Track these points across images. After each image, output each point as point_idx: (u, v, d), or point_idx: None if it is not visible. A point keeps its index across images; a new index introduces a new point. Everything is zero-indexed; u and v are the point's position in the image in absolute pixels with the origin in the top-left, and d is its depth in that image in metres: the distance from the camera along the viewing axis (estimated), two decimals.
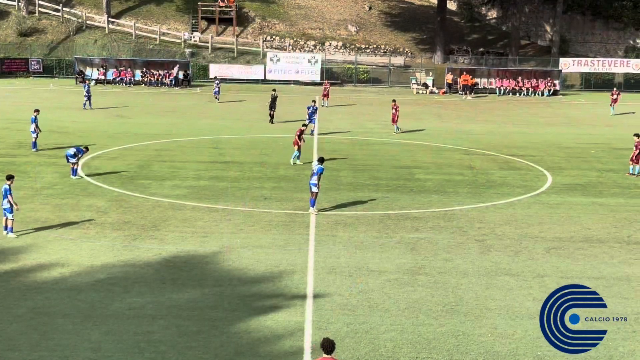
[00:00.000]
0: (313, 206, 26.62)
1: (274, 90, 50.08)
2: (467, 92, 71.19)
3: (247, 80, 75.22)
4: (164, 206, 27.20)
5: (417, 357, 15.63)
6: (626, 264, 22.00)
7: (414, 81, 75.82)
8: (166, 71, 73.59)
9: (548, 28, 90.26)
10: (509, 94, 74.12)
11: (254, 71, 75.80)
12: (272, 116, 48.57)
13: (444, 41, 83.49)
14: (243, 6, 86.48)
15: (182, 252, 22.04)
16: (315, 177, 26.28)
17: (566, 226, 25.89)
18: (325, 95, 59.56)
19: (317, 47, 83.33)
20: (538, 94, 73.98)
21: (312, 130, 43.26)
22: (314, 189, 26.40)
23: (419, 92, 73.35)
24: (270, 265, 21.05)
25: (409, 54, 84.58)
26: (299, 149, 35.24)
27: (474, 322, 17.47)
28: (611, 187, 32.32)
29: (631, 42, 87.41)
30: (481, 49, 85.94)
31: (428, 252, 22.56)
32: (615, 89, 62.38)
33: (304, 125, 36.57)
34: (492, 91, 74.92)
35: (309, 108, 43.92)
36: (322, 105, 58.73)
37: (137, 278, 19.86)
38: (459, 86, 73.17)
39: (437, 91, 73.79)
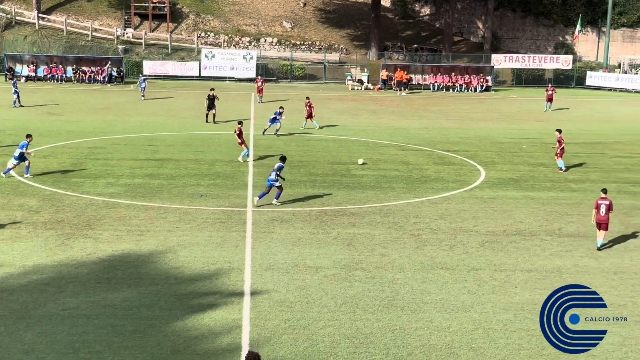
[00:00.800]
0: (260, 197, 27.12)
1: (212, 89, 49.05)
2: (402, 88, 71.76)
3: (182, 76, 74.63)
4: (98, 204, 26.82)
5: (354, 352, 15.72)
6: (557, 256, 22.47)
7: (349, 77, 76.18)
8: (99, 68, 72.53)
9: (480, 25, 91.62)
10: (442, 90, 74.97)
11: (189, 68, 75.22)
12: (212, 115, 47.07)
13: (379, 38, 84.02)
14: (177, 2, 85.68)
15: (117, 251, 21.77)
16: (273, 174, 26.87)
17: (499, 220, 26.32)
18: (260, 91, 59.49)
19: (252, 43, 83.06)
20: (471, 90, 74.99)
21: (277, 130, 42.72)
22: (275, 184, 26.97)
23: (354, 88, 73.70)
24: (207, 262, 20.95)
25: (344, 50, 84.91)
26: (246, 147, 35.13)
27: (410, 316, 17.66)
28: (542, 181, 32.96)
29: (560, 39, 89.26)
30: (415, 45, 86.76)
31: (365, 248, 22.70)
32: (550, 85, 63.47)
33: (240, 123, 36.34)
34: (426, 87, 75.68)
35: (275, 113, 42.84)
36: (258, 102, 58.67)
37: (71, 278, 19.56)
38: (393, 82, 73.71)
39: (372, 87, 74.22)
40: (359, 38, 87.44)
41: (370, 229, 24.68)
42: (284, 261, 21.27)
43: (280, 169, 27.17)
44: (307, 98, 47.56)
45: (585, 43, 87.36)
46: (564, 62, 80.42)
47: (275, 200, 27.29)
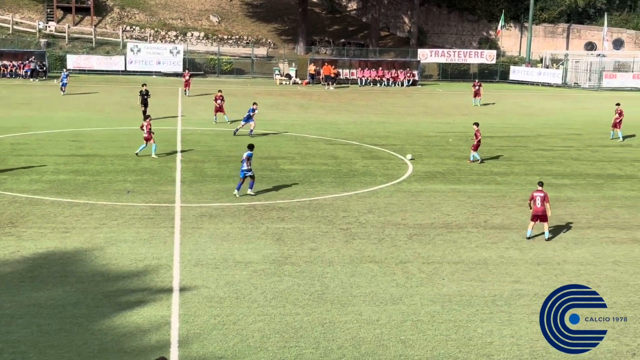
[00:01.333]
0: (251, 188, 27.97)
1: (144, 85, 47.58)
2: (330, 83, 72.02)
3: (107, 71, 73.44)
4: (21, 202, 26.22)
5: (285, 346, 15.73)
6: (483, 248, 22.86)
7: (277, 72, 76.10)
8: (20, 62, 70.89)
9: (406, 20, 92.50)
10: (370, 85, 75.49)
11: (114, 62, 74.10)
12: (145, 112, 44.85)
13: (306, 32, 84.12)
14: None
15: (41, 249, 21.33)
16: (245, 164, 27.40)
17: (427, 213, 26.63)
18: (187, 84, 59.09)
19: (179, 37, 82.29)
20: (398, 84, 75.69)
21: (251, 130, 40.92)
22: (248, 174, 27.66)
23: (282, 83, 73.67)
24: (135, 259, 20.69)
25: (272, 44, 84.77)
26: (154, 141, 34.48)
27: (340, 310, 17.74)
28: (468, 174, 33.46)
29: (484, 34, 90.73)
30: (342, 40, 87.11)
31: (294, 242, 22.72)
32: (476, 80, 64.25)
33: (148, 116, 35.45)
34: (354, 82, 76.11)
35: (249, 110, 41.01)
36: (185, 95, 58.24)
37: None
38: (321, 77, 73.91)
39: (300, 82, 74.32)
40: (287, 32, 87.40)
41: (300, 224, 24.72)
42: (212, 257, 21.15)
43: (250, 157, 27.65)
44: (220, 91, 47.06)
45: (509, 38, 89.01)
46: (488, 56, 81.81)
47: (249, 190, 27.88)
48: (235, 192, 27.74)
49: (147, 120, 34.71)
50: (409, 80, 76.00)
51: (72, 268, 19.98)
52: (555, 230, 24.65)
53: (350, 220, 25.35)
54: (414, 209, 27.14)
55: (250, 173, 27.68)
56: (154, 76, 72.62)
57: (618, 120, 43.90)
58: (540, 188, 23.83)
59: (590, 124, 50.54)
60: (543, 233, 23.80)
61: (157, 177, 30.80)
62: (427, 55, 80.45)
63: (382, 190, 29.84)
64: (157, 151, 34.40)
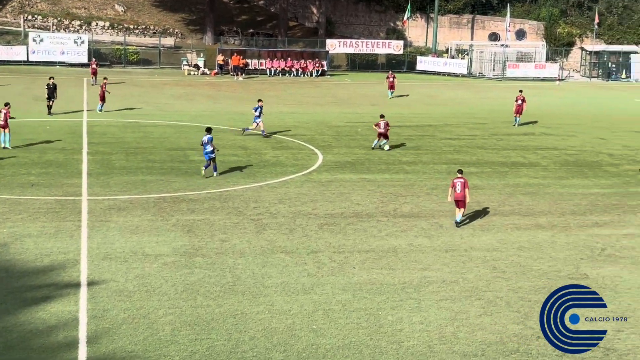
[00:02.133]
0: (215, 171, 29.66)
1: (52, 77, 45.68)
2: (239, 73, 71.63)
3: (8, 61, 71.23)
4: None
5: (196, 339, 15.64)
6: (393, 237, 23.16)
7: (185, 62, 75.26)
8: None
9: (314, 10, 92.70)
10: (279, 75, 75.41)
11: (16, 52, 71.84)
12: (50, 107, 43.99)
13: (214, 22, 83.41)
14: None
15: None
16: (209, 147, 29.12)
17: (337, 203, 26.82)
18: (94, 73, 58.12)
19: (83, 27, 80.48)
20: (307, 75, 75.81)
21: (263, 131, 39.30)
22: (212, 156, 29.27)
23: (190, 74, 72.90)
24: (40, 254, 20.21)
25: (180, 34, 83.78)
26: (8, 131, 33.59)
27: (252, 301, 17.73)
28: (377, 163, 33.83)
29: (392, 24, 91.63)
30: (251, 30, 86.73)
31: (204, 234, 22.58)
32: (390, 72, 64.29)
33: (7, 104, 34.44)
34: (263, 72, 75.86)
35: (256, 109, 39.13)
36: (92, 84, 57.15)
37: None
38: (230, 67, 73.47)
39: (208, 72, 73.68)
40: (194, 22, 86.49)
41: (210, 215, 24.57)
42: (121, 250, 20.84)
43: (211, 140, 29.19)
44: (105, 79, 46.94)
45: (415, 29, 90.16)
46: (395, 47, 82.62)
47: (215, 173, 29.55)
48: (203, 170, 29.49)
49: (6, 107, 33.80)
50: (317, 71, 76.22)
51: None
52: (464, 218, 25.14)
53: (261, 211, 25.33)
54: (324, 198, 27.30)
55: (214, 155, 29.18)
56: (58, 66, 70.86)
57: (520, 108, 45.38)
58: (459, 175, 24.38)
59: (494, 112, 51.68)
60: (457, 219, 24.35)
61: (62, 169, 30.13)
62: (335, 46, 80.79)
63: (293, 181, 29.91)
64: (10, 143, 33.50)
